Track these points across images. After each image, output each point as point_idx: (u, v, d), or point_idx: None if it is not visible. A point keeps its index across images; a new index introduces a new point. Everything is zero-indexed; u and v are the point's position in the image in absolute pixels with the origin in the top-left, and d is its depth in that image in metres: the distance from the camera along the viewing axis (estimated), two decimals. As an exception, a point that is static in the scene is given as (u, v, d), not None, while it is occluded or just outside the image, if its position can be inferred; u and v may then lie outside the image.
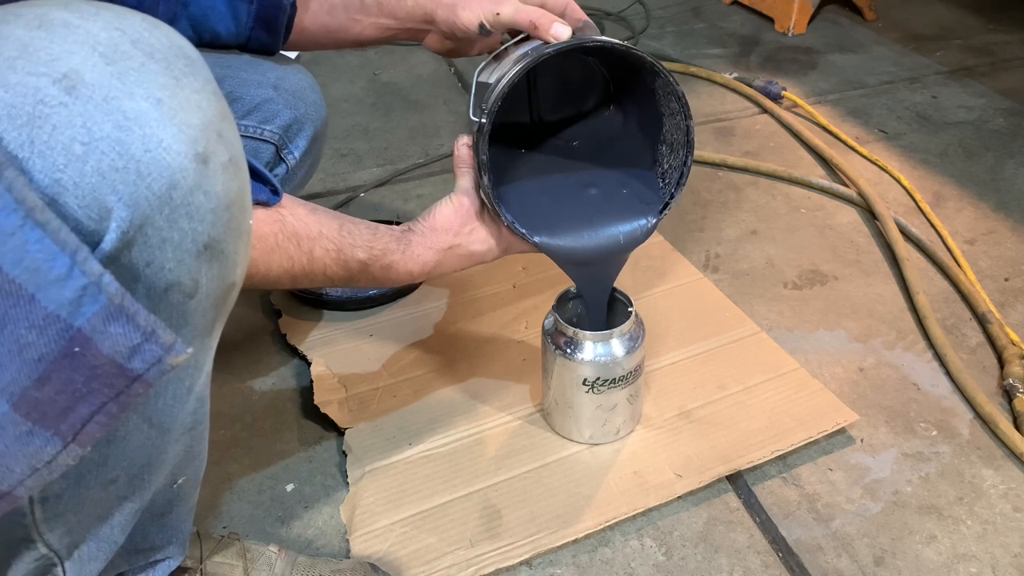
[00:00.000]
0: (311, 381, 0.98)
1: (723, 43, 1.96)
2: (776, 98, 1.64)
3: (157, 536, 0.62)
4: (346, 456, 0.89)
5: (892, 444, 0.91)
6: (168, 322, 0.41)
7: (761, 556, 0.80)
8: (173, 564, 0.64)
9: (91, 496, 0.52)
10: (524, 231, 0.75)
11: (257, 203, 0.60)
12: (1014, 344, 1.02)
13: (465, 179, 0.76)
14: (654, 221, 0.79)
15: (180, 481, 0.60)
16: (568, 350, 0.83)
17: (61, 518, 0.52)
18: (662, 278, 1.14)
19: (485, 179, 0.72)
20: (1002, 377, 0.99)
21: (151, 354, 0.39)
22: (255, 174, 0.58)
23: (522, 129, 0.85)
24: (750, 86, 1.68)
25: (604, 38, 0.71)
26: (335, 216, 0.69)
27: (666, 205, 0.79)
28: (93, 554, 0.55)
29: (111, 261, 0.40)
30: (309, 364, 1.00)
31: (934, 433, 0.93)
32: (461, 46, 0.86)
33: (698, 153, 1.46)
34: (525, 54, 0.72)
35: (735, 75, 1.72)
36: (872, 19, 2.06)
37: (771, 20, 2.04)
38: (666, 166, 0.80)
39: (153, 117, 0.40)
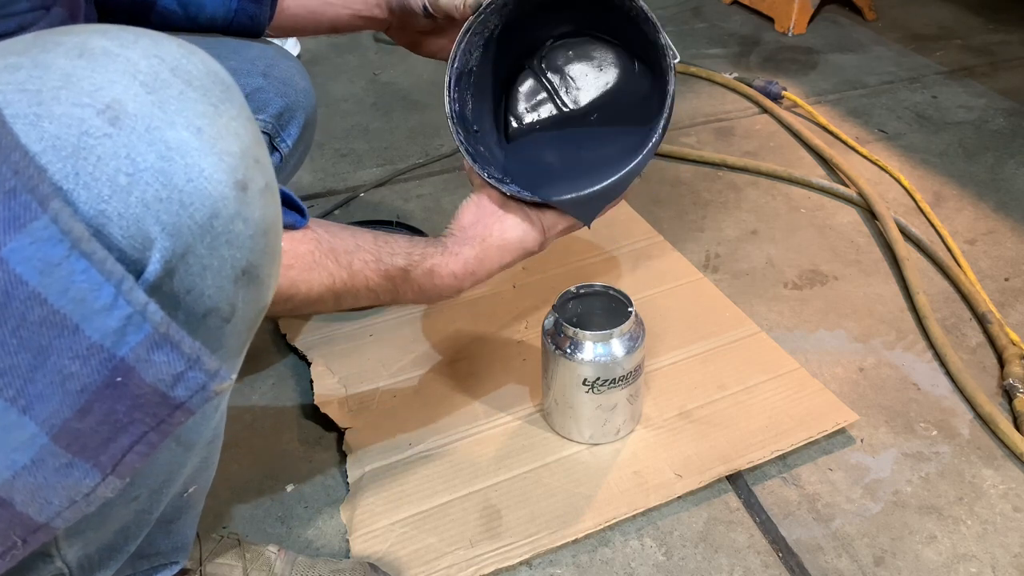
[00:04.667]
0: (311, 381, 0.98)
1: (723, 43, 1.96)
2: (776, 98, 1.64)
3: (163, 542, 0.62)
4: (346, 456, 0.89)
5: (892, 444, 0.91)
6: (205, 347, 0.41)
7: (761, 556, 0.80)
8: (175, 569, 0.64)
9: (114, 513, 0.52)
10: (529, 195, 0.74)
11: (286, 227, 0.60)
12: (1014, 344, 1.02)
13: (476, 178, 0.76)
14: (659, 127, 0.75)
15: (191, 490, 0.60)
16: (568, 350, 0.83)
17: (82, 535, 0.52)
18: (662, 278, 1.14)
19: (469, 161, 0.74)
20: (1002, 377, 0.99)
21: (195, 381, 0.39)
22: (284, 198, 0.58)
23: (554, 122, 0.85)
24: (750, 86, 1.68)
25: None
26: (368, 231, 0.69)
27: (665, 98, 0.75)
28: (105, 564, 0.55)
29: (154, 290, 0.40)
30: (309, 364, 1.00)
31: (934, 433, 0.93)
32: (426, 40, 0.88)
33: (698, 153, 1.46)
34: (465, 30, 0.75)
35: (735, 75, 1.72)
36: (872, 19, 2.06)
37: (771, 20, 2.04)
38: (663, 67, 0.76)
39: (194, 146, 0.39)
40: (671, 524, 0.83)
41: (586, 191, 0.76)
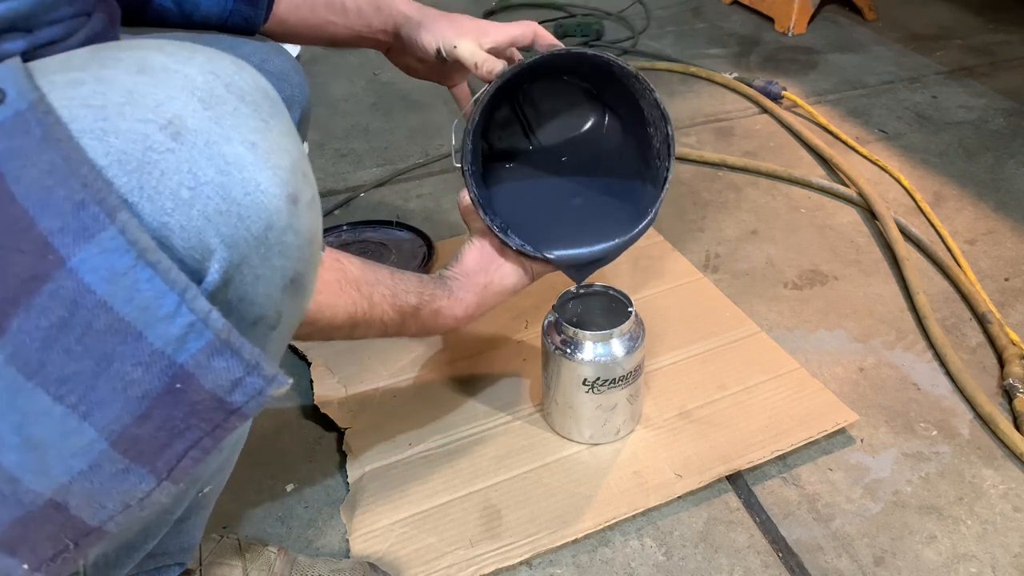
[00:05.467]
0: (311, 381, 0.98)
1: (723, 43, 1.96)
2: (776, 98, 1.64)
3: (172, 542, 0.62)
4: (346, 456, 0.89)
5: (892, 444, 0.91)
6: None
7: (761, 556, 0.80)
8: (180, 569, 0.65)
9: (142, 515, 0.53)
10: (535, 252, 0.79)
11: None
12: (1014, 344, 1.02)
13: (476, 223, 0.79)
14: (658, 201, 0.81)
15: (206, 490, 0.60)
16: (568, 350, 0.83)
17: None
18: (662, 278, 1.14)
19: (481, 214, 0.76)
20: (1002, 377, 0.99)
21: (252, 387, 0.40)
22: None
23: (525, 156, 0.88)
24: (750, 86, 1.68)
25: (540, 55, 0.75)
26: (382, 265, 0.72)
27: (664, 180, 0.80)
28: (121, 562, 0.56)
29: (211, 299, 0.40)
30: (309, 364, 1.00)
31: (934, 433, 0.93)
32: (421, 67, 0.88)
33: (698, 153, 1.46)
34: (477, 100, 0.75)
35: (735, 75, 1.72)
36: (872, 19, 2.06)
37: (771, 20, 2.04)
38: (656, 144, 0.81)
39: (250, 161, 0.41)
40: (671, 524, 0.83)
41: (586, 255, 0.81)
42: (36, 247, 0.36)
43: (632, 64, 0.76)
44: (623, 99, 0.82)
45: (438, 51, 0.82)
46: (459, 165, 0.76)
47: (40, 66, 0.40)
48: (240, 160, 0.40)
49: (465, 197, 0.78)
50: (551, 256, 0.80)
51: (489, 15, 2.11)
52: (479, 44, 0.79)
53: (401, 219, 1.27)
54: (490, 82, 0.75)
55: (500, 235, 0.77)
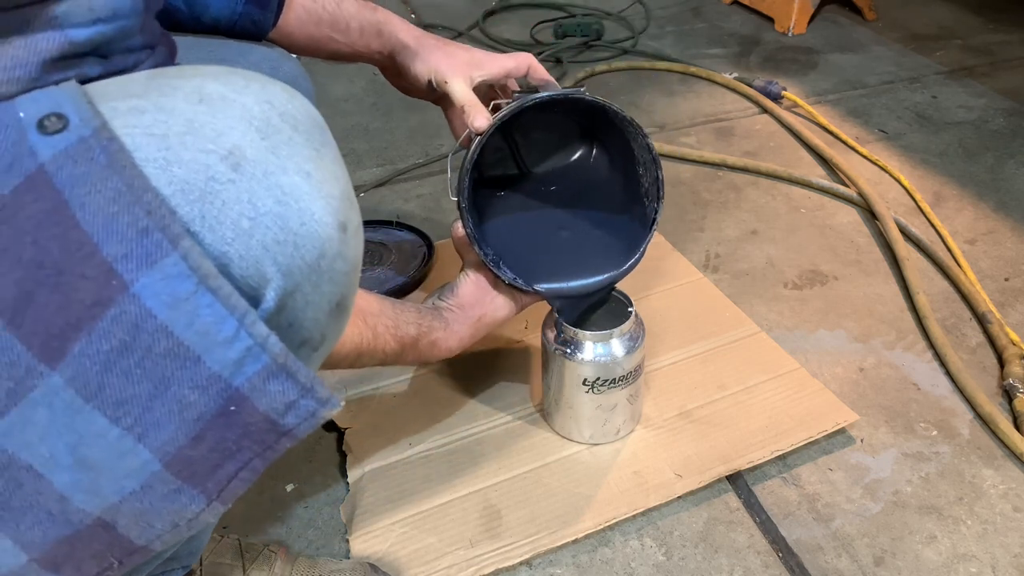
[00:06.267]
0: (311, 381, 0.98)
1: (723, 43, 1.96)
2: (776, 98, 1.64)
3: (182, 548, 0.62)
4: (346, 456, 0.89)
5: (892, 444, 0.91)
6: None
7: (761, 556, 0.80)
8: (182, 572, 0.65)
9: None
10: (527, 286, 0.81)
11: None
12: (1014, 344, 1.02)
13: (470, 255, 0.82)
14: (644, 243, 0.84)
15: None
16: (568, 350, 0.83)
17: None
18: (662, 278, 1.14)
19: (477, 249, 0.79)
20: (1002, 377, 0.99)
21: (306, 409, 0.41)
22: None
23: (513, 182, 0.90)
24: (750, 86, 1.68)
25: (534, 98, 0.77)
26: (383, 296, 0.73)
27: (652, 222, 0.84)
28: (140, 570, 0.56)
29: (265, 325, 0.41)
30: (309, 364, 1.00)
31: (934, 433, 0.93)
32: (416, 91, 0.90)
33: (698, 153, 1.46)
34: (478, 139, 0.77)
35: (735, 75, 1.72)
36: (872, 19, 2.06)
37: (771, 20, 2.04)
38: (646, 184, 0.84)
39: (305, 191, 0.41)
40: (671, 524, 0.83)
41: (575, 289, 0.84)
42: (100, 273, 0.37)
43: (626, 111, 0.78)
44: (614, 136, 0.85)
45: (429, 82, 0.84)
46: (455, 198, 0.78)
47: (98, 91, 0.40)
48: (296, 190, 0.41)
49: (459, 229, 0.80)
50: (542, 290, 0.82)
51: (489, 15, 2.11)
52: (472, 79, 0.82)
53: (401, 219, 1.27)
54: (476, 133, 0.77)
55: (494, 269, 0.80)
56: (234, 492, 0.42)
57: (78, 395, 0.38)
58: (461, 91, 0.81)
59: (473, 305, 0.80)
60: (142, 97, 0.40)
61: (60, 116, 0.38)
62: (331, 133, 0.46)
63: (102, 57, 0.45)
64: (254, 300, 0.41)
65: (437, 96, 0.88)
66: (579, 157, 0.90)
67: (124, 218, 0.37)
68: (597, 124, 0.87)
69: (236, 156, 0.39)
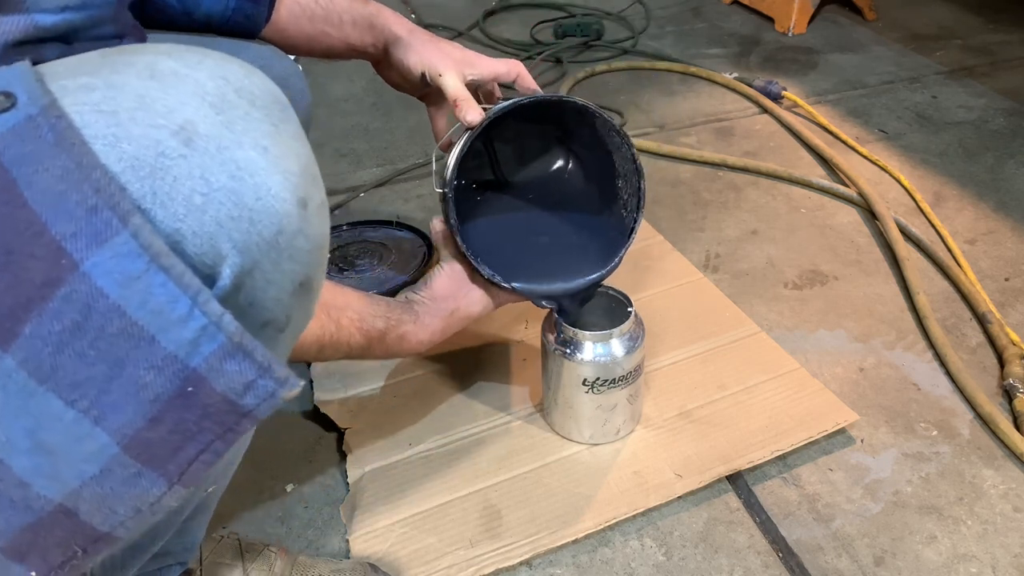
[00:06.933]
0: (311, 381, 0.98)
1: (723, 43, 1.96)
2: (776, 98, 1.64)
3: (174, 543, 0.62)
4: (346, 456, 0.89)
5: (892, 444, 0.91)
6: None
7: (761, 556, 0.79)
8: (181, 569, 0.65)
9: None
10: (505, 282, 0.81)
11: None
12: (1014, 344, 1.02)
13: (448, 248, 0.82)
14: (623, 249, 0.84)
15: (211, 488, 0.60)
16: (568, 350, 0.83)
17: None
18: (662, 278, 1.14)
19: (459, 240, 0.78)
20: (1002, 377, 0.99)
21: (265, 389, 0.40)
22: None
23: (491, 188, 0.90)
24: (750, 86, 1.68)
25: (528, 96, 0.78)
26: (350, 288, 0.72)
27: (631, 230, 0.84)
28: (128, 564, 0.56)
29: (222, 303, 0.40)
30: (309, 364, 1.00)
31: (934, 433, 0.93)
32: (405, 84, 0.90)
33: (698, 153, 1.46)
34: (469, 133, 0.78)
35: (735, 75, 1.72)
36: (872, 19, 2.06)
37: (771, 20, 2.04)
38: (625, 196, 0.85)
39: (261, 166, 0.41)
40: (671, 524, 0.83)
41: (554, 293, 0.83)
42: (49, 252, 0.36)
43: (613, 119, 0.79)
44: (592, 148, 0.86)
45: (423, 75, 0.83)
46: (441, 190, 0.78)
47: (50, 70, 0.40)
48: (252, 165, 0.40)
49: (438, 223, 0.80)
50: (518, 287, 0.82)
51: (489, 15, 2.11)
52: (463, 76, 0.81)
53: (401, 219, 1.27)
54: (468, 127, 0.77)
55: (473, 261, 0.79)
56: (196, 475, 0.41)
57: (31, 377, 0.37)
58: (455, 85, 0.80)
59: (446, 298, 0.80)
60: (93, 75, 0.39)
61: (8, 95, 0.37)
62: (294, 110, 0.45)
63: (66, 43, 0.44)
64: (210, 278, 0.40)
65: (427, 92, 0.88)
66: (555, 168, 0.91)
67: (73, 196, 0.36)
68: (578, 136, 0.87)
69: (188, 131, 0.39)
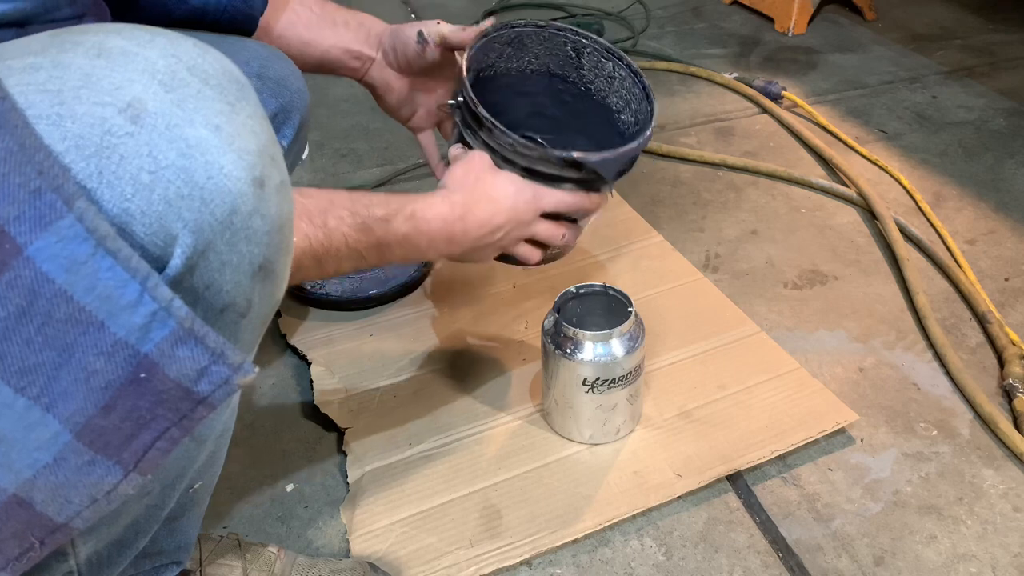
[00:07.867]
0: (311, 381, 0.98)
1: (723, 43, 1.96)
2: (776, 98, 1.64)
3: (166, 541, 0.62)
4: (346, 456, 0.89)
5: (892, 444, 0.91)
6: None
7: (761, 556, 0.79)
8: (177, 569, 0.64)
9: (126, 509, 0.52)
10: (543, 145, 0.74)
11: None
12: (1014, 344, 1.02)
13: (456, 150, 0.79)
14: (648, 128, 0.78)
15: (196, 486, 0.60)
16: (568, 350, 0.83)
17: (95, 531, 0.52)
18: (662, 278, 1.14)
19: (482, 111, 0.72)
20: (1002, 377, 0.99)
21: (218, 375, 0.39)
22: None
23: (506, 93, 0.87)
24: (750, 86, 1.68)
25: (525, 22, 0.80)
26: (342, 190, 0.67)
27: (651, 112, 0.79)
28: (114, 561, 0.55)
29: (175, 285, 0.40)
30: (309, 364, 1.00)
31: (934, 433, 0.93)
32: (402, 58, 0.88)
33: (698, 153, 1.46)
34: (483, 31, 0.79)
35: (735, 75, 1.72)
36: (872, 19, 2.06)
37: (771, 20, 2.04)
38: (630, 120, 0.84)
39: (213, 144, 0.40)
40: (671, 524, 0.83)
41: (607, 153, 0.73)
42: None
43: (609, 43, 0.80)
44: (595, 71, 0.85)
45: (419, 32, 0.83)
46: (463, 76, 0.74)
47: None
48: (203, 143, 0.39)
49: (456, 149, 0.77)
50: (573, 155, 0.72)
51: (489, 15, 2.11)
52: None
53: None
54: (483, 34, 0.79)
55: (500, 129, 0.71)
56: (152, 462, 0.40)
57: None
58: (453, 27, 0.83)
59: (466, 174, 0.73)
60: (39, 55, 0.39)
61: None
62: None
63: (19, 27, 0.43)
64: (161, 260, 0.39)
65: (424, 65, 0.87)
66: (558, 102, 0.88)
67: (15, 179, 0.35)
68: (573, 78, 0.87)
69: (136, 108, 0.38)
